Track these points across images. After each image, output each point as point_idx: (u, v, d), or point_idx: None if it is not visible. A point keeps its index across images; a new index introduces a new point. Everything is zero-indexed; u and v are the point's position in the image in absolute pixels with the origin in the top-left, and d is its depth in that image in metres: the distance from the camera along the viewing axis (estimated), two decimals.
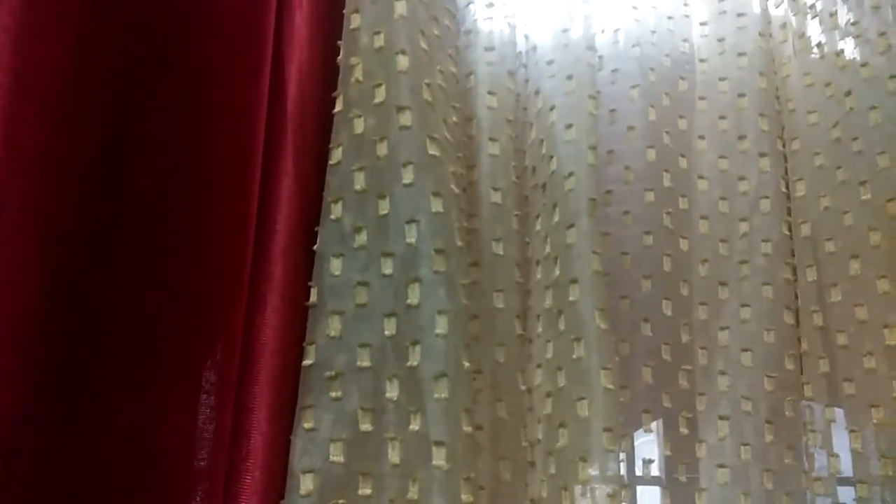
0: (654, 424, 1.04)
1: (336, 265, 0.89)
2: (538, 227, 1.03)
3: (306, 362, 0.86)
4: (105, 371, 0.73)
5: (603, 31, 1.15)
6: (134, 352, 0.74)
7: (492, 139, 1.04)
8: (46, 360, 0.70)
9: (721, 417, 1.03)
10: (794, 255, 1.10)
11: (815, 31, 1.17)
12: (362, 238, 0.90)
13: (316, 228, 0.91)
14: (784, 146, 1.15)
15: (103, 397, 0.72)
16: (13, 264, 0.68)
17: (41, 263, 0.71)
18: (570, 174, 0.99)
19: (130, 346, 0.74)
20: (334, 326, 0.87)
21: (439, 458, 0.81)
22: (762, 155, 1.12)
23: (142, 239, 0.77)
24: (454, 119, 1.00)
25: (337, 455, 0.84)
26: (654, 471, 1.04)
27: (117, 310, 0.74)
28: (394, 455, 0.84)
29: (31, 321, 0.70)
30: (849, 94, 1.09)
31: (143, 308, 0.75)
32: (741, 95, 1.15)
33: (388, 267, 0.89)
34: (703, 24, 1.21)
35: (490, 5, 1.11)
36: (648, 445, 1.10)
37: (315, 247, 0.90)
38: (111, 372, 0.73)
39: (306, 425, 0.84)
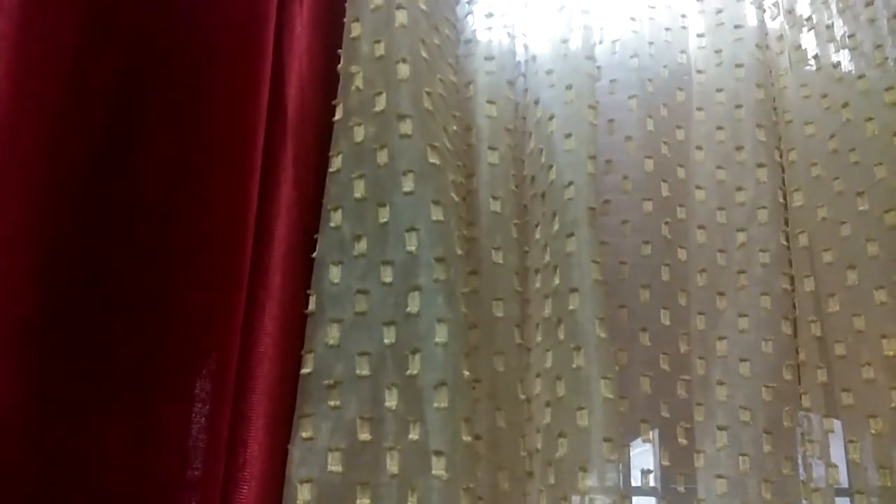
0: (651, 434, 1.03)
1: (335, 273, 0.89)
2: (537, 236, 1.03)
3: (304, 371, 0.86)
4: (98, 381, 0.72)
5: (601, 42, 1.15)
6: (127, 362, 0.73)
7: (491, 148, 1.04)
8: (40, 368, 0.70)
9: (719, 428, 1.03)
10: (791, 266, 1.10)
11: (811, 43, 1.17)
12: (362, 246, 0.90)
13: (315, 236, 0.91)
14: (781, 157, 1.15)
15: (96, 407, 0.72)
16: (11, 273, 0.68)
17: (38, 271, 0.71)
18: (570, 183, 0.99)
19: (124, 356, 0.73)
20: (333, 335, 0.87)
21: (439, 467, 0.81)
22: (759, 165, 1.13)
23: (137, 247, 0.76)
24: (454, 128, 1.00)
25: (335, 465, 0.83)
26: (651, 481, 1.04)
27: (111, 318, 0.74)
28: (392, 465, 0.83)
29: (26, 329, 0.69)
30: (845, 105, 1.09)
31: (137, 317, 0.75)
32: (738, 106, 1.16)
33: (387, 275, 0.88)
34: (700, 35, 1.21)
35: (490, 15, 1.11)
36: (644, 455, 1.09)
37: (314, 254, 0.90)
38: (104, 382, 0.72)
39: (304, 434, 0.84)
